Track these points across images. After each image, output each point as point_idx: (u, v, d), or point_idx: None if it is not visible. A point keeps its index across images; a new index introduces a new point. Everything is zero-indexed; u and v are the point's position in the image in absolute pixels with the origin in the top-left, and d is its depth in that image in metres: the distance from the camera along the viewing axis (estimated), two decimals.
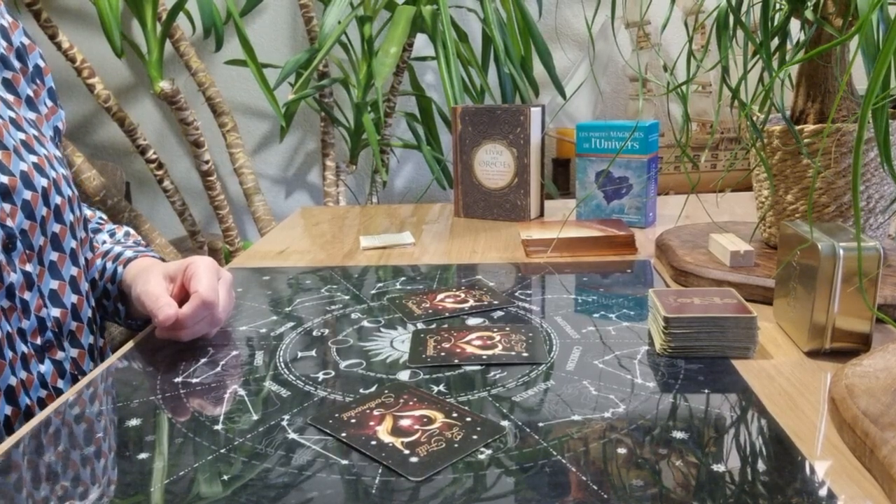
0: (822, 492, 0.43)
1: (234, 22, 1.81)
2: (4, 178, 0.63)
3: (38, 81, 0.74)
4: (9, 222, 0.62)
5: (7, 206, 0.62)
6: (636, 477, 0.45)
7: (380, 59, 1.56)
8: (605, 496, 0.43)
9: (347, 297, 0.82)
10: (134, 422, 0.54)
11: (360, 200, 2.26)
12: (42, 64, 0.75)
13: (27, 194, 0.64)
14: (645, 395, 0.56)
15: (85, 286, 0.72)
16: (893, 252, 0.78)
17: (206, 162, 1.99)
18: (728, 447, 0.48)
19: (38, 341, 0.65)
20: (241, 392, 0.59)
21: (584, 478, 0.45)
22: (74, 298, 0.70)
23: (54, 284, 0.68)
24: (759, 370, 0.59)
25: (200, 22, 1.98)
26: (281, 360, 0.65)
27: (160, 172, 2.03)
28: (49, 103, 0.75)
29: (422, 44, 2.00)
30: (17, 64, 0.71)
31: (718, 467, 0.46)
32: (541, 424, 0.52)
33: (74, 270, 0.70)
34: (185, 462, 0.49)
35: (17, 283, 0.63)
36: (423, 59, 2.01)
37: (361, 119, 1.77)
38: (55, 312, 0.67)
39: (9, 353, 0.62)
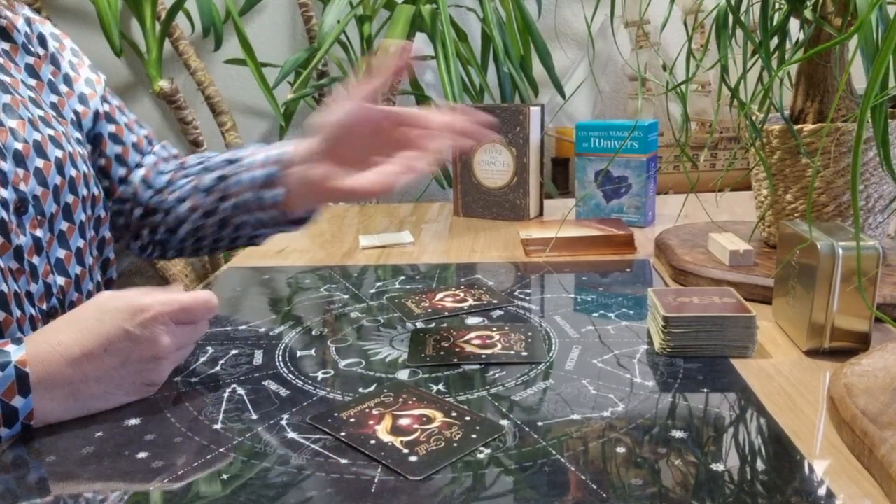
0: (821, 491, 0.43)
1: (233, 21, 1.81)
2: (19, 145, 0.66)
3: (55, 66, 0.77)
4: (21, 186, 0.65)
5: (20, 171, 0.65)
6: (635, 476, 0.45)
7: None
8: (605, 495, 0.43)
9: (347, 297, 0.82)
10: (133, 421, 0.54)
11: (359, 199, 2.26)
12: (75, 60, 0.78)
13: (39, 162, 0.67)
14: (644, 394, 0.56)
15: (89, 260, 0.74)
16: (892, 251, 0.78)
17: None
18: (727, 446, 0.48)
19: (45, 307, 0.67)
20: (241, 391, 0.59)
21: (583, 477, 0.45)
22: (78, 270, 0.72)
23: (61, 253, 0.69)
24: (759, 369, 0.59)
25: (199, 21, 1.98)
26: (280, 359, 0.65)
27: None
28: (65, 88, 0.77)
29: (421, 43, 2.00)
30: (39, 50, 0.76)
31: (717, 466, 0.46)
32: (540, 424, 0.52)
33: (81, 242, 0.72)
34: (184, 462, 0.49)
35: (26, 247, 0.65)
36: (423, 58, 2.01)
37: None
38: (60, 280, 0.69)
39: (17, 312, 0.63)
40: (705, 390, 0.56)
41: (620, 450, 0.48)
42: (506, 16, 1.82)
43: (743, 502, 0.42)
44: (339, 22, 1.64)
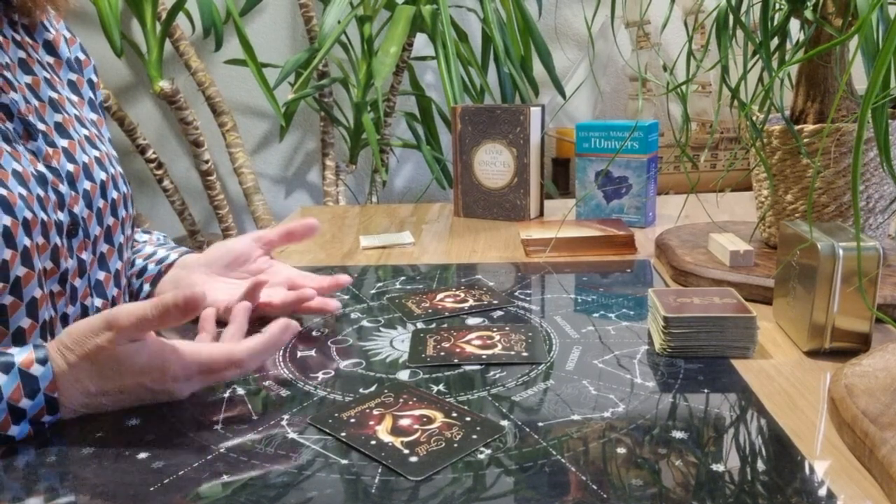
0: (822, 491, 0.43)
1: (233, 21, 1.81)
2: (71, 167, 0.66)
3: (93, 93, 0.78)
4: (75, 209, 0.65)
5: (73, 194, 0.65)
6: (636, 476, 0.45)
7: (379, 58, 1.56)
8: (605, 496, 0.43)
9: (347, 297, 0.82)
10: (134, 421, 0.54)
11: (359, 200, 2.26)
12: (95, 79, 0.79)
13: (87, 184, 0.67)
14: (644, 394, 0.56)
15: (123, 281, 0.75)
16: (893, 252, 0.78)
17: (206, 161, 1.99)
18: (727, 447, 0.48)
19: None
20: (241, 391, 0.59)
21: (583, 477, 0.45)
22: (115, 291, 0.72)
23: (101, 275, 0.70)
24: (759, 370, 0.59)
25: (200, 21, 1.98)
26: (281, 359, 0.65)
27: (160, 172, 2.02)
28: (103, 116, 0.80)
29: (422, 43, 2.00)
30: (77, 69, 0.77)
31: (718, 467, 0.46)
32: (540, 424, 0.52)
33: (119, 264, 0.73)
34: (185, 462, 0.49)
35: (71, 270, 0.65)
36: (423, 58, 2.01)
37: (361, 119, 1.77)
38: (97, 302, 0.69)
39: (49, 338, 0.63)
40: (706, 391, 0.56)
41: (621, 450, 0.48)
42: (506, 16, 1.82)
43: (743, 503, 0.42)
44: (339, 22, 1.64)
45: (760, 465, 0.46)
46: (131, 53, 2.12)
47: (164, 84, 1.84)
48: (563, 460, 0.47)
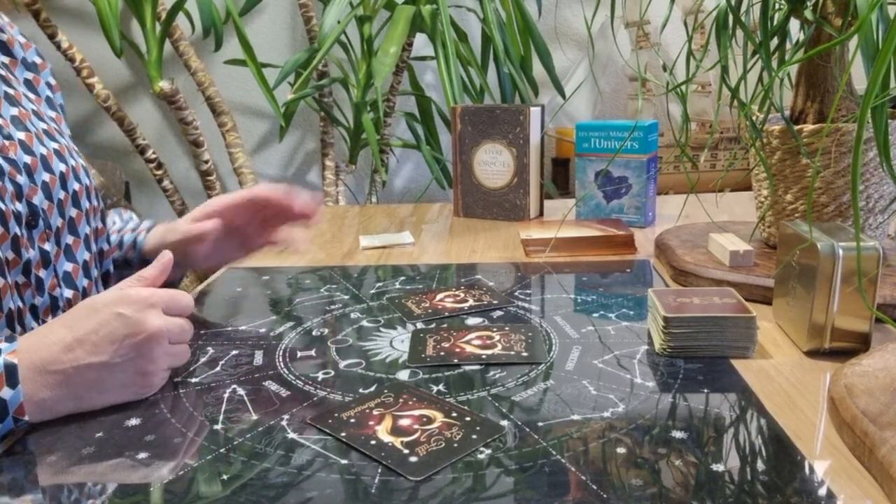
0: (822, 491, 0.43)
1: (233, 21, 1.81)
2: (28, 158, 0.66)
3: (51, 93, 0.78)
4: (34, 199, 0.65)
5: (31, 185, 0.65)
6: (635, 476, 0.45)
7: (379, 58, 1.56)
8: (605, 496, 0.43)
9: (347, 297, 0.82)
10: (133, 421, 0.54)
11: (359, 200, 2.26)
12: (53, 81, 0.79)
13: (46, 176, 0.67)
14: (644, 394, 0.56)
15: (95, 272, 0.74)
16: (893, 252, 0.78)
17: (206, 162, 1.99)
18: (727, 447, 0.48)
19: (49, 319, 0.67)
20: (241, 392, 0.59)
21: (583, 477, 0.45)
22: (85, 282, 0.72)
23: (68, 267, 0.70)
24: (759, 370, 0.59)
25: (200, 21, 1.98)
26: (280, 359, 0.65)
27: (159, 172, 2.02)
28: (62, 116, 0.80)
29: (421, 43, 2.00)
30: (33, 70, 0.77)
31: (718, 467, 0.46)
32: (540, 424, 0.52)
33: (87, 255, 0.73)
34: (184, 462, 0.49)
35: (34, 260, 0.65)
36: (423, 58, 2.01)
37: (361, 119, 1.77)
38: (68, 293, 0.69)
39: (18, 328, 0.63)
40: (705, 391, 0.56)
41: (621, 450, 0.48)
42: (506, 16, 1.82)
43: (743, 503, 0.42)
44: (339, 22, 1.64)
45: (760, 465, 0.46)
46: (131, 53, 2.12)
47: (163, 84, 1.84)
48: (563, 460, 0.47)
